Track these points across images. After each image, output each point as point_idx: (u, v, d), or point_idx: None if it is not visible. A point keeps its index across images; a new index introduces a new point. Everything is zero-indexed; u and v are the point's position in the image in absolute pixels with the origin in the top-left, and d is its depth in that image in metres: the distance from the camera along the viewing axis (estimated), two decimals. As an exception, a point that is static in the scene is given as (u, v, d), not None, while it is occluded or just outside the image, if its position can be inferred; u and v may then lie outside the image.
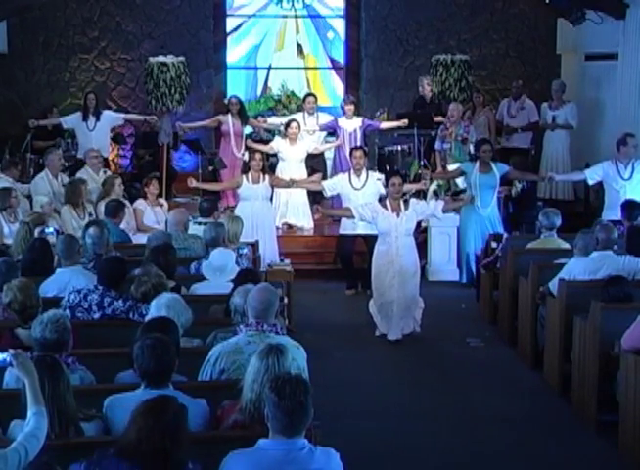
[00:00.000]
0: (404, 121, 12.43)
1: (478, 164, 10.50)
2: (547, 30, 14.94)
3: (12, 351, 4.00)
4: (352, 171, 10.20)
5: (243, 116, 12.63)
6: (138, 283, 6.05)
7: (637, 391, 5.90)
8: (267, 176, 10.37)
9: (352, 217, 9.21)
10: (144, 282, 6.02)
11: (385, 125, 12.57)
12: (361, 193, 10.01)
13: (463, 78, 13.33)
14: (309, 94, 13.15)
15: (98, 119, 12.43)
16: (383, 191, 9.64)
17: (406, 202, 8.93)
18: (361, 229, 9.91)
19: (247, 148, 12.35)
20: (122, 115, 13.00)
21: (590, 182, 10.63)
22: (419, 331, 8.88)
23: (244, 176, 10.38)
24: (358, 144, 11.62)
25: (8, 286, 5.68)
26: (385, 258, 8.76)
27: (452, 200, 10.35)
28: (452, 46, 14.48)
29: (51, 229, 7.98)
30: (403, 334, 8.73)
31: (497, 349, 8.71)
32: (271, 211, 10.64)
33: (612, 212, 10.14)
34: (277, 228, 11.61)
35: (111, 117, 12.67)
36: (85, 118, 12.40)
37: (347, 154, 11.23)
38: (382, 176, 10.08)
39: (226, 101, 13.14)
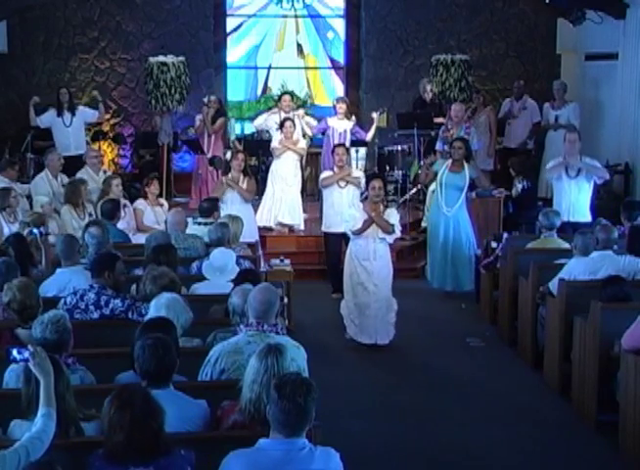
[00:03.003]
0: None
1: (449, 161, 10.22)
2: (547, 30, 14.95)
3: (31, 348, 3.99)
4: (336, 169, 10.19)
5: (216, 116, 12.55)
6: (158, 277, 5.95)
7: (637, 391, 5.90)
8: (247, 179, 10.24)
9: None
10: (164, 275, 5.96)
11: (369, 138, 12.13)
12: (345, 191, 10.07)
13: (463, 78, 13.32)
14: (285, 92, 13.11)
15: (73, 115, 12.31)
16: (360, 191, 9.81)
17: (386, 207, 8.78)
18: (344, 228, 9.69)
19: (232, 148, 12.33)
20: (97, 113, 12.70)
21: (547, 175, 10.47)
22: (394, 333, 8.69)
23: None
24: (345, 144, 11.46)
25: (8, 286, 5.68)
26: (358, 258, 8.61)
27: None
28: (452, 46, 14.48)
29: (35, 231, 7.85)
30: (384, 343, 8.56)
31: (497, 349, 8.72)
32: (252, 214, 10.45)
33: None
34: (272, 229, 11.55)
35: (85, 113, 12.54)
36: (60, 114, 12.26)
37: None
38: (360, 174, 10.20)
39: (205, 99, 12.95)
